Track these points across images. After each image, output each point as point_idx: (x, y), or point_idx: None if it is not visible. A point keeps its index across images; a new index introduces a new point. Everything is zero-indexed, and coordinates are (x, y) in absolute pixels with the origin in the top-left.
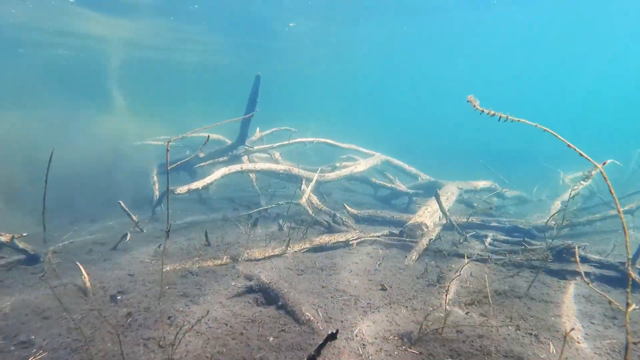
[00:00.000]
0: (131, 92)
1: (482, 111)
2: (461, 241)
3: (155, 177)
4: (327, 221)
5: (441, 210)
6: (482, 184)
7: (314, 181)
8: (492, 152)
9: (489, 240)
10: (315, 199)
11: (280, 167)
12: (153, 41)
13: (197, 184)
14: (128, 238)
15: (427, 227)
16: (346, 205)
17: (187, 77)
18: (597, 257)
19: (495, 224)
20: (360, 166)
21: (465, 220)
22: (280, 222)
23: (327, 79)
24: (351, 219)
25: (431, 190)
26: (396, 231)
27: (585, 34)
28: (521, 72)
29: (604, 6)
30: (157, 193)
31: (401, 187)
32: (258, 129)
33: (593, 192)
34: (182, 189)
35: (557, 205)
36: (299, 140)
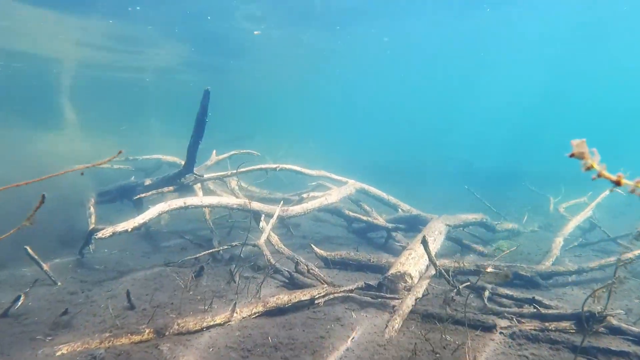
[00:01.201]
0: (84, 109)
1: (615, 184)
2: (453, 297)
3: (92, 208)
4: (288, 271)
5: (430, 260)
6: (471, 217)
7: (274, 218)
8: (474, 173)
9: (487, 293)
10: (275, 239)
11: (233, 200)
12: (105, 51)
13: (126, 225)
14: (20, 302)
15: (411, 279)
16: (314, 247)
17: (149, 93)
18: (636, 329)
19: (492, 270)
20: (332, 197)
21: (456, 265)
22: (232, 268)
23: (299, 97)
24: (320, 261)
25: (413, 225)
26: (374, 281)
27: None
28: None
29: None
30: (92, 227)
31: (379, 220)
32: (214, 152)
33: (594, 224)
34: (105, 232)
35: (558, 242)
36: (257, 167)
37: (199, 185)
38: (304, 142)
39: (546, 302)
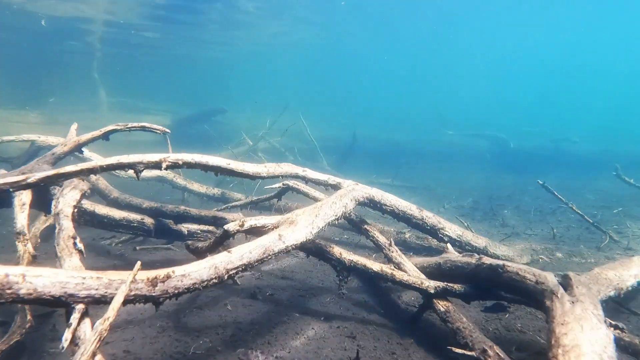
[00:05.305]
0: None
1: None
2: None
3: None
4: None
5: None
6: (629, 278)
7: (105, 322)
8: (513, 155)
9: None
10: None
11: None
12: None
13: None
14: None
15: None
16: None
17: (93, 56)
18: None
19: None
20: (298, 231)
21: None
22: None
23: (294, 62)
24: None
25: (484, 288)
26: None
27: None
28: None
29: None
30: None
31: (407, 272)
32: (74, 126)
33: None
34: None
35: None
36: (108, 162)
37: (23, 199)
38: (295, 117)
39: None
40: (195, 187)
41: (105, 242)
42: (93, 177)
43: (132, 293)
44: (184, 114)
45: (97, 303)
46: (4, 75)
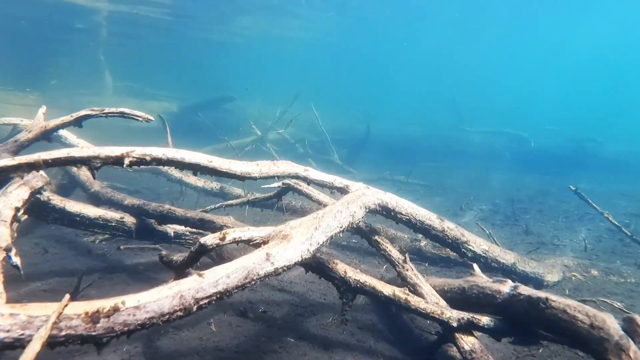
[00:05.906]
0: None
1: None
2: None
3: None
4: None
5: None
6: None
7: None
8: (534, 155)
9: None
10: None
11: None
12: None
13: None
14: None
15: None
16: None
17: (102, 39)
18: None
19: None
20: (292, 249)
21: None
22: None
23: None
24: None
25: (520, 326)
26: None
27: None
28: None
29: None
30: None
31: (423, 298)
32: (42, 110)
33: None
34: None
35: None
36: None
37: None
38: (307, 107)
39: None
40: (192, 180)
41: (88, 239)
42: (74, 168)
43: (63, 333)
44: (191, 101)
45: (10, 349)
46: (3, 56)
